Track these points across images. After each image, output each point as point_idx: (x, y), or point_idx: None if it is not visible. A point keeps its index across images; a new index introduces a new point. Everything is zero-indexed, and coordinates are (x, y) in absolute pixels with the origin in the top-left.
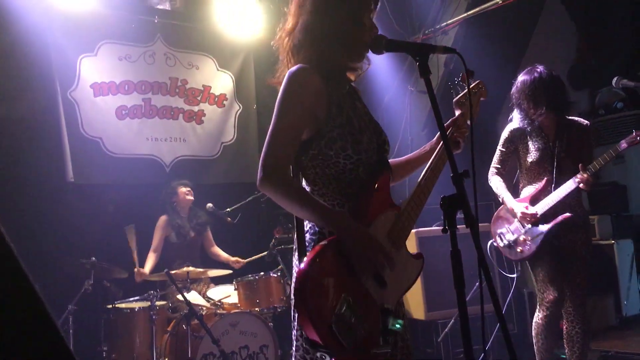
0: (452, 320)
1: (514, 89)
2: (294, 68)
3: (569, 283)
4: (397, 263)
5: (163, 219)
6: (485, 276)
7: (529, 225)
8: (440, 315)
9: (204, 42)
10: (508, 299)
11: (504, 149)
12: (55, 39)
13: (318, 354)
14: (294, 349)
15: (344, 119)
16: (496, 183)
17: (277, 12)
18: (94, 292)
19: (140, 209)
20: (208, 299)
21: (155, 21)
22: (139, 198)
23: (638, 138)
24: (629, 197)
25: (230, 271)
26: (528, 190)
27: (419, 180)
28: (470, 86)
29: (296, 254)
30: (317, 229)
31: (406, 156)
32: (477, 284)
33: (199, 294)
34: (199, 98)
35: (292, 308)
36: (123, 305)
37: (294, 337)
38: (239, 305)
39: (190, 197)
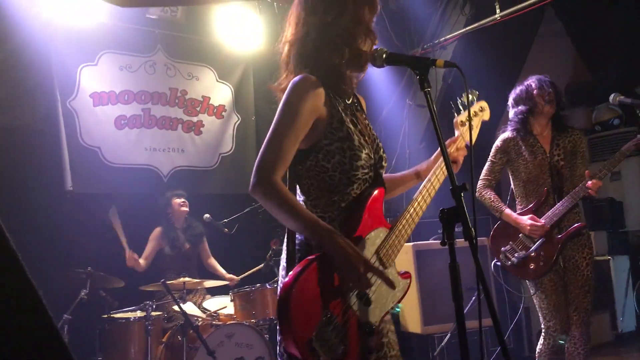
0: (449, 334)
1: (515, 95)
2: (299, 77)
3: (577, 308)
4: (384, 281)
5: (157, 230)
6: (484, 290)
7: (538, 239)
8: (436, 329)
9: (204, 53)
10: (516, 316)
11: (495, 160)
12: (56, 49)
13: None
14: None
15: (344, 133)
16: (490, 196)
17: (277, 25)
18: (89, 302)
19: (137, 218)
20: (204, 310)
21: (156, 32)
22: (137, 208)
23: None
24: (625, 213)
25: (227, 282)
26: (525, 203)
27: (415, 197)
28: (473, 107)
29: (284, 264)
30: (304, 240)
31: (402, 172)
32: (474, 297)
33: (195, 304)
34: (198, 109)
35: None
36: (118, 315)
37: (278, 354)
38: (235, 316)
39: (185, 208)
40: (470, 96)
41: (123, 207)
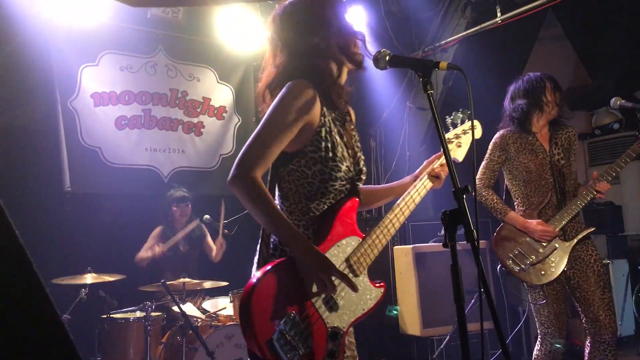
0: (448, 336)
1: (520, 87)
2: (296, 80)
3: (600, 306)
4: (351, 288)
5: (158, 229)
6: (485, 292)
7: (545, 243)
8: (435, 331)
9: (205, 54)
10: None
11: (494, 158)
12: (57, 49)
13: None
14: None
15: (330, 143)
16: (492, 197)
17: None
18: (89, 302)
19: (137, 219)
20: (203, 311)
21: (157, 33)
22: (137, 208)
23: None
24: (624, 217)
25: (227, 283)
26: (527, 204)
27: (392, 209)
28: (463, 125)
29: (255, 266)
30: (278, 243)
31: (383, 185)
32: (473, 300)
33: (195, 305)
34: (198, 110)
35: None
36: (118, 316)
37: (248, 354)
38: (234, 317)
39: (185, 217)
40: (461, 115)
41: (123, 207)
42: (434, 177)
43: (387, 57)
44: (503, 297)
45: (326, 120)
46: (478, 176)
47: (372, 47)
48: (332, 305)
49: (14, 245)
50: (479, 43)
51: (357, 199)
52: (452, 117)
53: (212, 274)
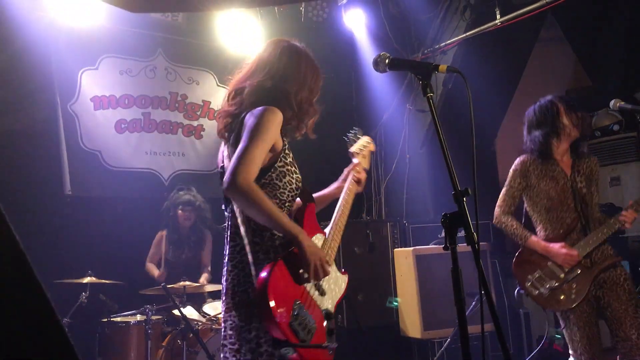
0: (449, 339)
1: (534, 116)
2: (271, 107)
3: (632, 325)
4: (331, 276)
5: (160, 234)
6: (485, 295)
7: (567, 269)
8: (436, 334)
9: (204, 57)
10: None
11: (514, 185)
12: (57, 52)
13: (282, 350)
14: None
15: (291, 159)
16: (512, 223)
17: (277, 30)
18: (89, 305)
19: (138, 222)
20: (204, 314)
21: (157, 36)
22: (137, 212)
23: None
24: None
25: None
26: (549, 229)
27: (337, 210)
28: (359, 141)
29: (249, 261)
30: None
31: (322, 191)
32: (474, 302)
33: (195, 308)
34: (198, 113)
35: (238, 320)
36: (118, 319)
37: (249, 349)
38: None
39: (189, 221)
40: (356, 132)
41: (123, 210)
42: (355, 181)
43: (387, 60)
44: (504, 300)
45: (286, 140)
46: (498, 203)
47: (371, 50)
48: (321, 292)
49: (14, 250)
50: (479, 45)
51: (314, 204)
52: (351, 134)
53: (212, 278)
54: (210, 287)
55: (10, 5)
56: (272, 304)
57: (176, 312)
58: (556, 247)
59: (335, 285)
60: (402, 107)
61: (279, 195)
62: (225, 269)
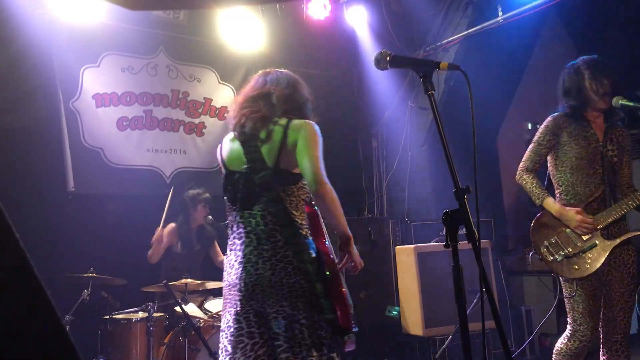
0: (450, 336)
1: (562, 85)
2: (312, 122)
3: (622, 308)
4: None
5: (171, 226)
6: (487, 293)
7: (585, 238)
8: (438, 331)
9: (206, 55)
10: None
11: (543, 142)
12: (58, 50)
13: (346, 337)
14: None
15: None
16: (533, 180)
17: (279, 27)
18: (91, 303)
19: (140, 219)
20: (206, 311)
21: (158, 33)
22: (139, 209)
23: None
24: (626, 215)
25: None
26: (571, 193)
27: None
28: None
29: (309, 258)
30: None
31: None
32: (475, 300)
33: (197, 306)
34: (200, 110)
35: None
36: (120, 316)
37: (309, 355)
38: None
39: (207, 219)
40: None
41: (125, 208)
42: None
43: (388, 58)
44: (505, 297)
45: None
46: (523, 159)
47: (373, 47)
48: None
49: (14, 248)
50: (481, 42)
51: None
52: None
53: (214, 274)
54: (211, 285)
55: (12, 4)
56: (342, 295)
57: (178, 309)
58: (572, 211)
59: None
60: (404, 104)
61: (306, 197)
62: (255, 264)
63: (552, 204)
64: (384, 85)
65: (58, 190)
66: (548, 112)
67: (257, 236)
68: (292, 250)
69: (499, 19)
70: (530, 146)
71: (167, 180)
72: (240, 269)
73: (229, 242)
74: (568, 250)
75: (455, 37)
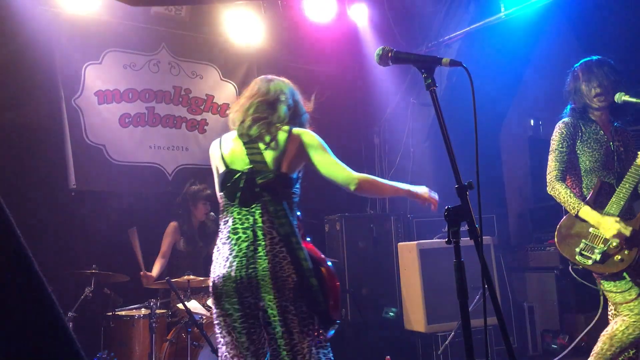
0: (452, 332)
1: (565, 89)
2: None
3: None
4: None
5: (173, 225)
6: (489, 289)
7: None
8: (440, 327)
9: (208, 51)
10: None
11: (563, 148)
12: (61, 47)
13: (331, 328)
14: (305, 349)
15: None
16: (565, 190)
17: (281, 24)
18: (94, 299)
19: (142, 216)
20: (208, 308)
21: (161, 30)
22: (141, 205)
23: None
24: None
25: None
26: (579, 195)
27: None
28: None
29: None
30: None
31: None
32: (478, 296)
33: (199, 302)
34: (202, 107)
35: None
36: (123, 313)
37: (300, 341)
38: None
39: (206, 216)
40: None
41: (127, 204)
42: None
43: (390, 54)
44: (508, 293)
45: None
46: (548, 170)
47: (375, 43)
48: None
49: (16, 245)
50: (483, 38)
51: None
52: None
53: None
54: None
55: (14, 0)
56: (336, 289)
57: (180, 305)
58: (611, 221)
59: None
60: (406, 100)
61: (297, 197)
62: (251, 257)
63: (589, 213)
64: (386, 81)
65: (60, 187)
66: (550, 108)
67: (254, 232)
68: (288, 247)
69: (501, 14)
70: (552, 156)
71: (170, 177)
72: (236, 262)
73: (222, 236)
74: (602, 247)
75: (457, 33)
